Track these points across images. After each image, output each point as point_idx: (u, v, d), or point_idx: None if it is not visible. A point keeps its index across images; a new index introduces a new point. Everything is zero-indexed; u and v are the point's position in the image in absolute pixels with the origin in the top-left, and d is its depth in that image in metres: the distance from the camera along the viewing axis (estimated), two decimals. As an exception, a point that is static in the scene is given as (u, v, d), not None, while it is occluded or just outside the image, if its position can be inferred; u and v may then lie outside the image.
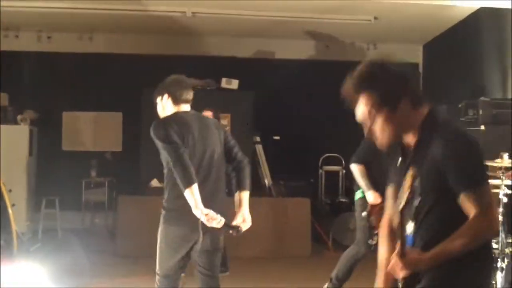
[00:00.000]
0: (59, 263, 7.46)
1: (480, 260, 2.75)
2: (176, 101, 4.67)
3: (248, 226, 4.72)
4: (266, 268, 8.49)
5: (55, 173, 10.67)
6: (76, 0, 9.13)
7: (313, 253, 9.22)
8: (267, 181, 10.05)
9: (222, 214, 4.47)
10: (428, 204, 2.75)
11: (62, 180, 10.54)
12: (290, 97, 11.02)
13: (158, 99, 4.75)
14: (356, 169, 6.35)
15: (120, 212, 9.21)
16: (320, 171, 11.02)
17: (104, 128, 11.50)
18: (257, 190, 9.73)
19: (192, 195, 4.31)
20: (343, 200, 10.24)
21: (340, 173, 10.96)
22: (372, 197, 6.18)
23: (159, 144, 4.47)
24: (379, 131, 2.76)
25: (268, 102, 10.72)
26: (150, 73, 10.99)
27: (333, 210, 10.19)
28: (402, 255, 2.66)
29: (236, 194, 4.77)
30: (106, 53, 11.25)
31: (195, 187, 4.32)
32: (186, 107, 4.71)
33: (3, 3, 9.07)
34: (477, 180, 2.65)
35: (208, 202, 4.43)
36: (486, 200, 2.62)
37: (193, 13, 9.57)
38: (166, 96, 4.69)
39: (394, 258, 2.70)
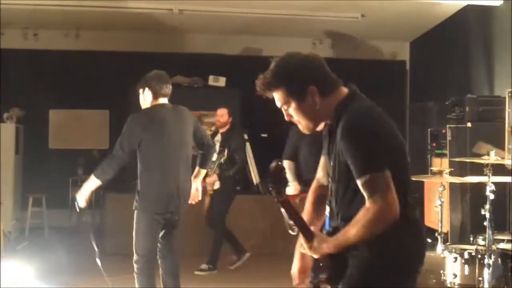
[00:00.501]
0: (46, 261, 7.46)
1: (404, 237, 2.78)
2: (155, 94, 5.34)
3: (199, 196, 5.73)
4: (256, 265, 8.48)
5: (42, 171, 10.63)
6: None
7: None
8: (254, 179, 10.03)
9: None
10: (341, 188, 2.83)
11: (49, 178, 10.51)
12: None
13: (140, 91, 5.41)
14: (285, 164, 6.94)
15: (107, 210, 9.18)
16: (308, 168, 10.97)
17: (91, 125, 11.45)
18: (245, 188, 9.72)
19: (92, 184, 5.31)
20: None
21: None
22: (292, 189, 6.89)
23: (122, 135, 5.30)
24: (296, 120, 2.94)
25: (256, 99, 10.66)
26: (137, 71, 10.97)
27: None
28: (308, 236, 2.79)
29: (196, 170, 5.72)
30: (92, 51, 11.19)
31: (98, 182, 5.31)
32: (164, 100, 5.41)
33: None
34: (369, 167, 2.66)
35: (179, 181, 5.31)
36: (378, 188, 2.65)
37: (180, 10, 9.56)
38: (146, 89, 5.35)
39: (301, 239, 2.86)
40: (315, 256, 2.84)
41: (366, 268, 2.77)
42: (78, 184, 10.89)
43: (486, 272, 5.63)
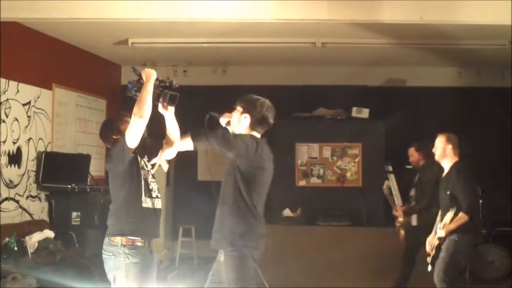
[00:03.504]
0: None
1: None
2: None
3: None
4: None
5: (191, 202, 10.94)
6: (211, 37, 9.41)
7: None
8: (400, 211, 9.87)
9: None
10: None
11: (198, 209, 10.82)
12: (422, 125, 10.82)
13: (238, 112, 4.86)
14: None
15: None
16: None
17: (237, 158, 11.72)
18: (390, 220, 9.58)
19: None
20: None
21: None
22: None
23: None
24: None
25: (400, 130, 10.57)
26: (281, 104, 11.16)
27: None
28: None
29: None
30: (238, 85, 11.51)
31: None
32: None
33: (140, 40, 9.53)
34: None
35: None
36: None
37: (322, 43, 9.64)
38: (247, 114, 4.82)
39: None
40: None
41: None
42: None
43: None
